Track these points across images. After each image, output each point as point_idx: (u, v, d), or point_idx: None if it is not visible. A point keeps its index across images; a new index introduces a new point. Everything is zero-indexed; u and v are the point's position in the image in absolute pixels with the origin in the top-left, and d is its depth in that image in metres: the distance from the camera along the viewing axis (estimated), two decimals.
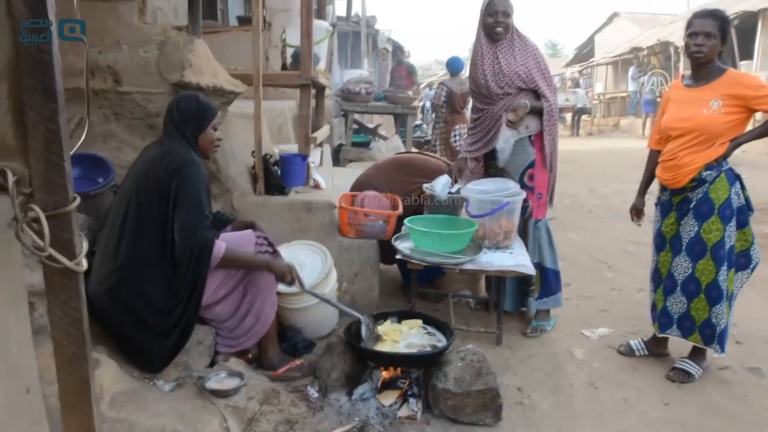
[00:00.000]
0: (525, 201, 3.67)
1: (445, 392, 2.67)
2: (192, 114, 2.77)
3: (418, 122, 11.51)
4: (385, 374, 2.87)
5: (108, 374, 2.39)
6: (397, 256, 3.48)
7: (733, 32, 15.81)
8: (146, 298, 2.61)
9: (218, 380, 2.63)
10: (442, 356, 2.83)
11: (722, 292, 3.09)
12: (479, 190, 3.67)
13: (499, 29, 3.60)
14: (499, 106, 3.67)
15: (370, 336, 2.99)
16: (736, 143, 3.02)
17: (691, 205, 3.13)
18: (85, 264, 1.48)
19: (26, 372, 1.52)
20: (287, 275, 2.87)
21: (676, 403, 3.00)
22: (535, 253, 3.73)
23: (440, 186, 3.97)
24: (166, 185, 2.61)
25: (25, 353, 1.51)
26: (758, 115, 3.17)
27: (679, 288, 3.22)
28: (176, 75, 3.30)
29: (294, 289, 2.99)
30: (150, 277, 2.62)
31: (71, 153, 1.46)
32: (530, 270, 3.38)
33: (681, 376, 3.22)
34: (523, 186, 3.67)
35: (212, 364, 2.87)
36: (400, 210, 3.86)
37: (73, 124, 3.14)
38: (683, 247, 3.18)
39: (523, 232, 3.78)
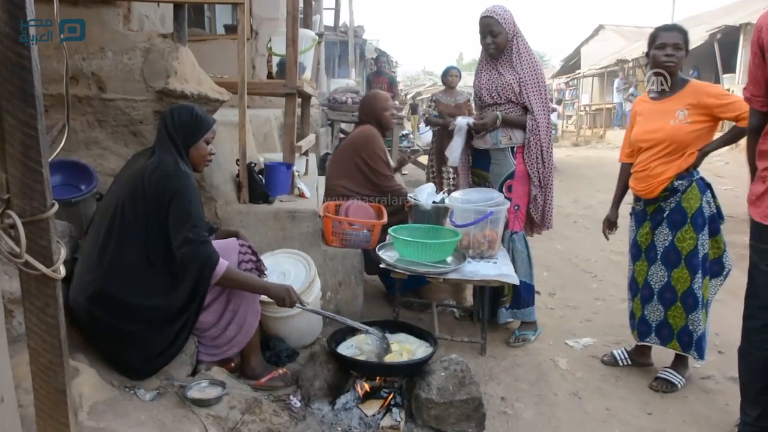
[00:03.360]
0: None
1: (429, 402, 2.66)
2: (185, 125, 2.75)
3: (405, 132, 11.51)
4: (368, 384, 2.86)
5: (87, 383, 2.35)
6: (381, 265, 3.48)
7: (716, 46, 16.07)
8: (129, 308, 2.58)
9: (200, 389, 2.60)
10: (426, 366, 2.82)
11: (698, 299, 3.14)
12: (463, 199, 3.68)
13: (491, 50, 3.65)
14: (489, 109, 3.73)
15: (380, 348, 2.98)
16: (704, 152, 3.10)
17: (665, 215, 3.19)
18: (63, 271, 1.47)
19: (1, 380, 1.49)
20: (286, 299, 2.83)
21: (659, 413, 3.01)
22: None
23: (425, 195, 3.98)
24: (155, 198, 2.57)
25: (0, 361, 1.49)
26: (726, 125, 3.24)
27: (656, 296, 3.27)
28: (161, 82, 3.29)
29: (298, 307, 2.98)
30: (134, 286, 2.58)
31: (52, 159, 1.45)
32: (514, 279, 3.38)
33: (664, 386, 3.24)
34: None
35: (194, 372, 2.84)
36: (385, 219, 3.85)
37: (56, 131, 3.12)
38: (658, 256, 3.23)
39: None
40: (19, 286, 1.49)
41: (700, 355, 3.19)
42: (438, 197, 4.01)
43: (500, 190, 3.69)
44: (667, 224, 3.18)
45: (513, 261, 3.71)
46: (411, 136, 12.13)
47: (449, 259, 3.53)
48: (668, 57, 3.11)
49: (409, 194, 4.18)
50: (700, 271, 3.13)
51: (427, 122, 7.63)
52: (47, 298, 1.46)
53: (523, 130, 3.65)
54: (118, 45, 3.32)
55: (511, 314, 3.81)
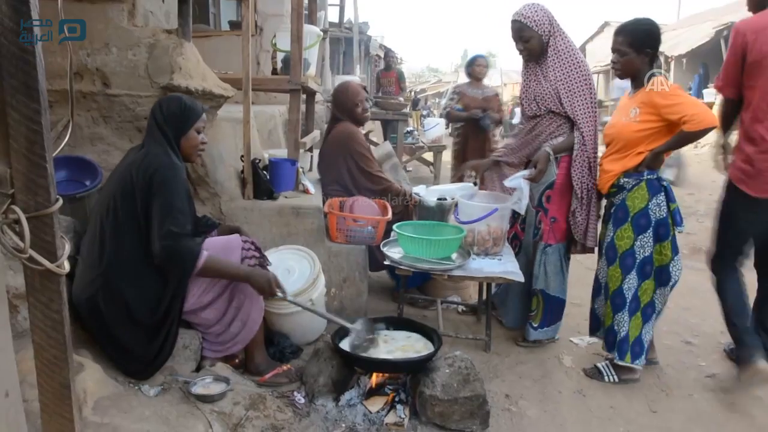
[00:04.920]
0: (539, 222, 3.55)
1: (433, 399, 2.66)
2: (174, 115, 2.72)
3: (409, 128, 11.48)
4: (372, 380, 2.86)
5: (92, 378, 2.36)
6: (386, 262, 3.47)
7: (722, 43, 15.98)
8: (129, 305, 2.57)
9: (204, 385, 2.61)
10: (430, 362, 2.82)
11: (625, 300, 3.14)
12: (468, 195, 3.67)
13: (523, 55, 3.51)
14: (530, 125, 3.56)
15: (361, 342, 2.96)
16: (654, 153, 3.03)
17: (612, 210, 3.20)
18: (67, 266, 1.46)
19: (5, 375, 1.49)
20: (267, 288, 2.75)
21: (664, 411, 3.00)
22: (540, 278, 3.57)
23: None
24: (142, 190, 2.56)
25: (4, 356, 1.49)
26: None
27: (602, 291, 3.32)
28: (165, 78, 3.28)
29: (280, 296, 2.94)
30: (133, 283, 2.58)
31: (56, 154, 1.45)
32: (519, 277, 3.35)
33: (593, 373, 3.31)
34: (539, 206, 3.54)
35: (198, 368, 2.84)
36: (389, 216, 3.84)
37: (61, 126, 3.12)
38: (603, 251, 3.26)
39: (532, 255, 3.63)
40: (24, 282, 1.48)
41: (621, 356, 3.17)
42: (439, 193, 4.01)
43: (539, 200, 3.54)
44: (612, 220, 3.18)
45: (545, 275, 3.55)
46: (415, 132, 12.08)
47: (454, 255, 3.52)
48: (613, 63, 3.14)
49: (413, 191, 4.18)
50: (633, 273, 3.12)
51: (449, 118, 6.54)
52: (51, 293, 1.45)
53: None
54: (122, 41, 3.32)
55: (542, 334, 3.66)
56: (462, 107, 6.41)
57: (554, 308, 3.62)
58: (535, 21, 3.36)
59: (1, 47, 1.28)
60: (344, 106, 4.29)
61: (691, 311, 4.30)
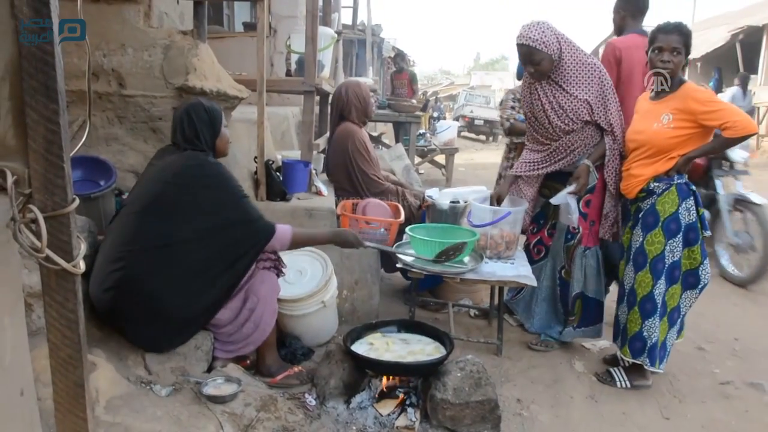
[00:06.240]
0: (575, 228, 3.49)
1: (444, 402, 2.65)
2: (205, 122, 2.78)
3: (422, 131, 11.46)
4: (383, 383, 2.86)
5: (104, 377, 2.37)
6: (398, 264, 3.47)
7: (738, 47, 15.87)
8: (152, 301, 2.60)
9: (215, 386, 2.61)
10: (442, 366, 2.81)
11: (656, 305, 3.09)
12: (481, 199, 3.66)
13: (534, 76, 3.40)
14: (566, 139, 3.44)
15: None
16: (687, 158, 3.00)
17: (640, 215, 3.14)
18: (83, 266, 1.47)
19: (20, 374, 1.50)
20: (354, 242, 3.07)
21: (677, 418, 2.98)
22: (580, 282, 3.56)
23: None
24: (190, 186, 2.65)
25: (20, 355, 1.50)
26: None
27: (625, 298, 3.25)
28: (180, 79, 3.30)
29: (296, 293, 3.03)
30: (158, 278, 2.59)
31: (72, 154, 1.45)
32: (531, 281, 3.34)
33: (604, 377, 3.30)
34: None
35: (210, 369, 2.85)
36: (402, 218, 3.84)
37: (77, 126, 3.14)
38: (630, 257, 3.19)
39: (568, 260, 3.58)
40: (38, 280, 1.49)
41: (652, 363, 3.12)
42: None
43: (577, 204, 3.45)
44: (641, 225, 3.13)
45: (585, 278, 3.55)
46: (428, 135, 12.05)
47: (466, 259, 3.51)
48: (664, 63, 2.99)
49: (426, 193, 4.17)
50: (663, 278, 3.08)
51: (512, 131, 5.21)
52: (67, 292, 1.46)
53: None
54: (138, 42, 3.34)
55: (580, 333, 3.67)
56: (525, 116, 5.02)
57: (593, 309, 3.61)
58: (543, 43, 3.23)
59: (22, 48, 1.29)
60: (350, 103, 4.29)
61: (704, 317, 4.26)
